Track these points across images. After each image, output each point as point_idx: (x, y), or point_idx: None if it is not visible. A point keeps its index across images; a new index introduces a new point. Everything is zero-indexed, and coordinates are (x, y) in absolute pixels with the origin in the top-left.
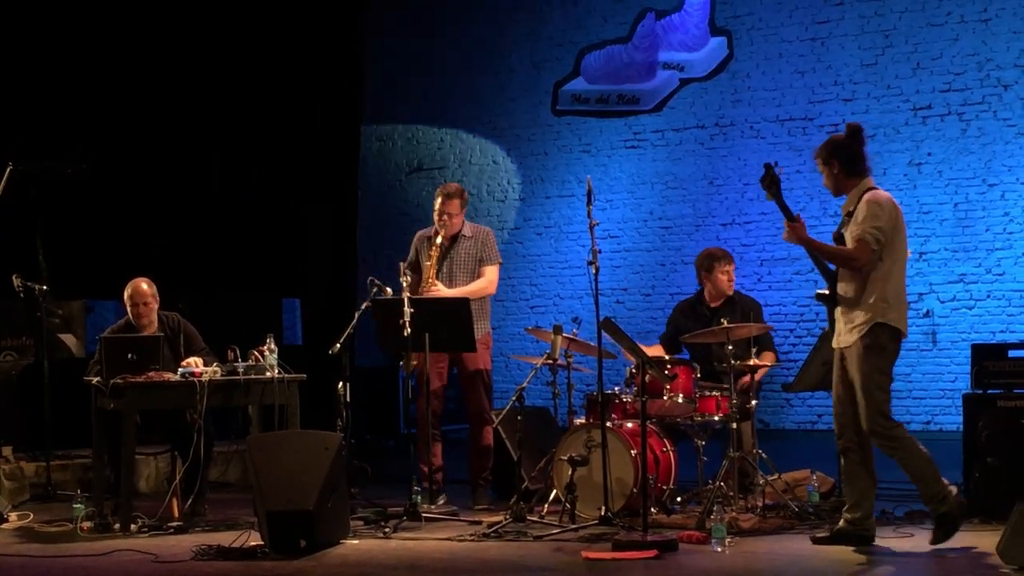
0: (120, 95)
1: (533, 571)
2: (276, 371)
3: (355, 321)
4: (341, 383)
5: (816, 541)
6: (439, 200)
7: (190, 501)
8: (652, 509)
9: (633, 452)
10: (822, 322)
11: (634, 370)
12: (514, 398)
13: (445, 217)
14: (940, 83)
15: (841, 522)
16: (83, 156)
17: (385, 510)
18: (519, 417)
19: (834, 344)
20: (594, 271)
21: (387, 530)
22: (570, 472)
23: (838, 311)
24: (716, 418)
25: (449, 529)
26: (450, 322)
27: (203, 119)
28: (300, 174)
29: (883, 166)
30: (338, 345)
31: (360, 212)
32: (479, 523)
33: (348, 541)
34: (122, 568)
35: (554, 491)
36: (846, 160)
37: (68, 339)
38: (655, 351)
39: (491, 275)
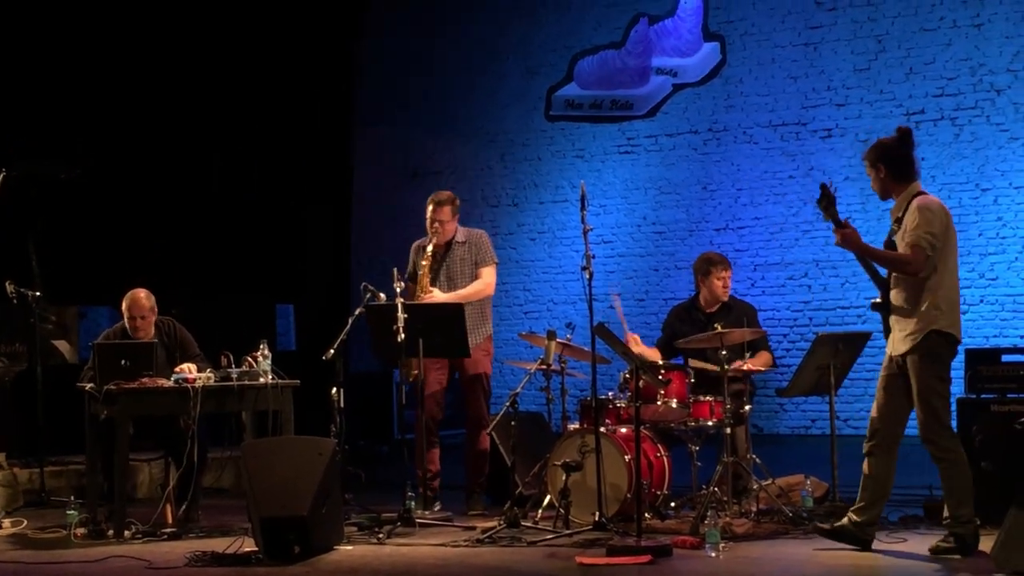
0: (112, 100)
1: None
2: (270, 377)
3: (349, 327)
4: (335, 389)
5: (817, 530)
6: (430, 208)
7: (184, 507)
8: (646, 514)
9: (627, 457)
10: (816, 327)
11: (628, 375)
12: (508, 403)
13: (437, 225)
14: (933, 88)
15: (845, 519)
16: (77, 160)
17: (379, 516)
18: (513, 422)
19: (889, 350)
20: (588, 276)
21: (381, 536)
22: (564, 477)
23: (892, 318)
24: (710, 423)
25: (443, 535)
26: (444, 328)
27: (198, 122)
28: (294, 179)
29: None
30: (332, 351)
31: (354, 217)
32: (473, 529)
33: (342, 547)
34: (116, 574)
35: (548, 496)
36: (894, 164)
37: (62, 345)
38: (651, 354)
39: (487, 276)
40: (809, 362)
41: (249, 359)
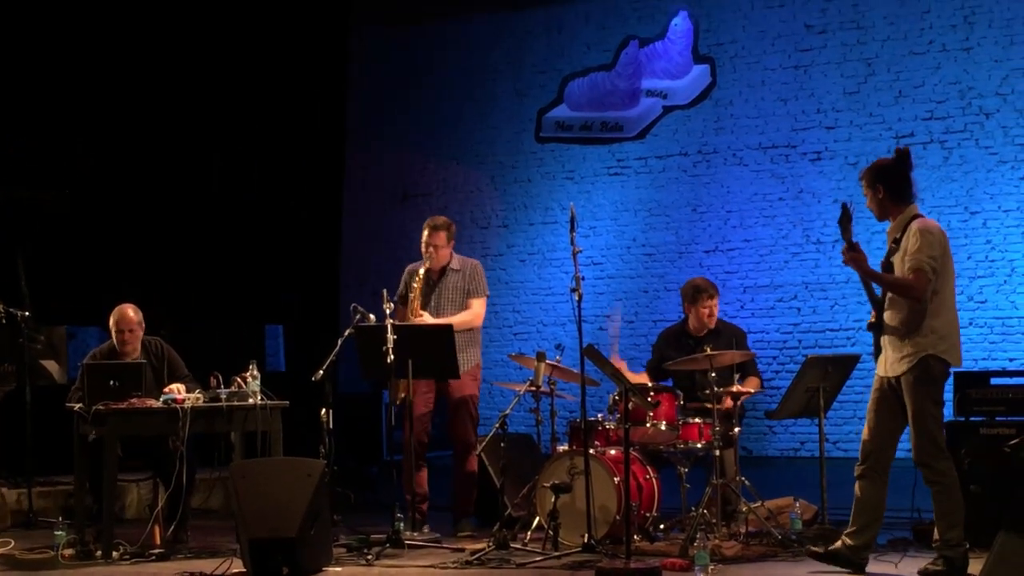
0: (98, 123)
1: None
2: (259, 398)
3: (338, 348)
4: (324, 410)
5: (811, 554)
6: (426, 232)
7: (172, 528)
8: (635, 536)
9: (616, 479)
10: (805, 349)
11: (617, 397)
12: (497, 425)
13: (431, 249)
14: (922, 111)
15: (839, 543)
16: (67, 179)
17: (368, 537)
18: (502, 444)
19: (880, 371)
20: (577, 298)
21: (370, 557)
22: (553, 499)
23: (885, 339)
24: (699, 445)
25: (432, 556)
26: (433, 349)
27: (188, 143)
28: (285, 201)
29: None
30: (321, 372)
31: (344, 238)
32: (462, 550)
33: (331, 569)
34: None
35: (537, 518)
36: (893, 184)
37: (50, 365)
38: (640, 379)
39: (477, 308)
40: (798, 384)
41: (238, 380)
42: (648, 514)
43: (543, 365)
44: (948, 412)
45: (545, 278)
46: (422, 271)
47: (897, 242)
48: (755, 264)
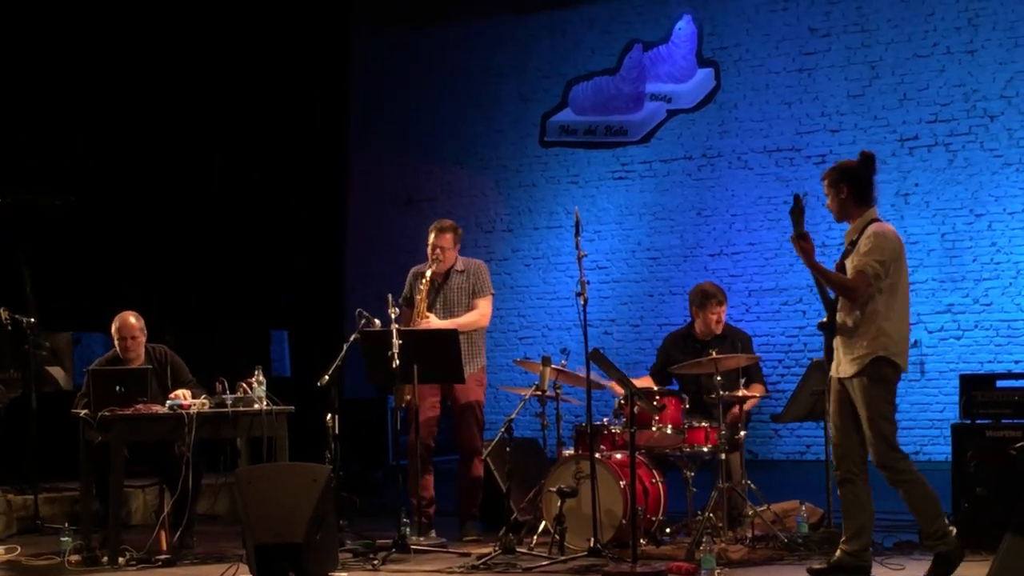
0: (98, 123)
1: None
2: (264, 403)
3: (343, 353)
4: (330, 415)
5: (813, 573)
6: (432, 235)
7: (178, 534)
8: (641, 540)
9: (622, 483)
10: (811, 352)
11: (622, 401)
12: (503, 429)
13: (438, 251)
14: (927, 114)
15: (838, 553)
16: (71, 184)
17: (374, 542)
18: (508, 448)
19: (832, 373)
20: (582, 302)
21: (376, 562)
22: (559, 503)
23: (837, 340)
24: (705, 449)
25: (438, 561)
26: (438, 353)
27: (190, 148)
28: (289, 205)
29: None
30: (326, 377)
31: (348, 243)
32: (468, 555)
33: (337, 574)
34: None
35: (543, 522)
36: (857, 186)
37: (56, 371)
38: (644, 382)
39: (483, 307)
40: (804, 388)
41: (244, 385)
42: (654, 518)
43: (548, 369)
44: (954, 414)
45: (550, 282)
46: (428, 273)
47: (853, 244)
48: (760, 267)
